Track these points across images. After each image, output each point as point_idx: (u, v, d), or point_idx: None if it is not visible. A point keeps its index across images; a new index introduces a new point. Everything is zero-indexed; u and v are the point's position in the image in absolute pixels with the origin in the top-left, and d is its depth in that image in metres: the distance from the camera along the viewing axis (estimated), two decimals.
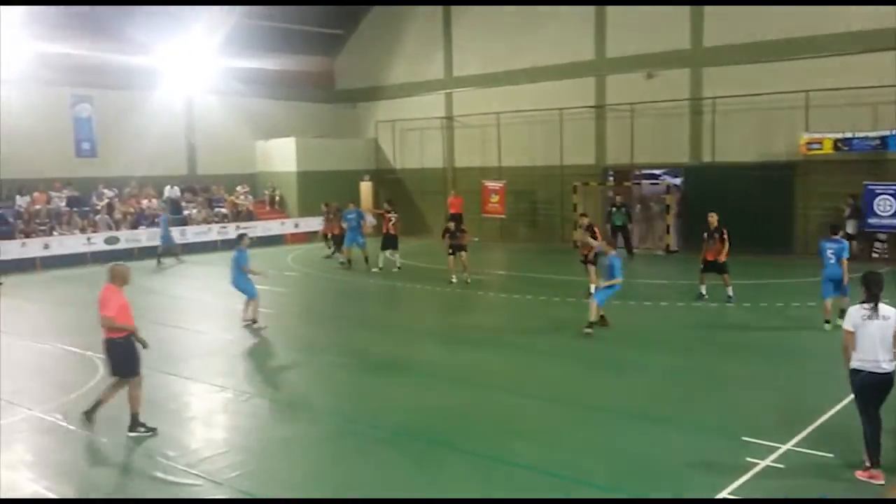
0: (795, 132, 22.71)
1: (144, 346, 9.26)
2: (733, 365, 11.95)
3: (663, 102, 25.56)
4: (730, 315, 15.41)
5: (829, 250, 13.65)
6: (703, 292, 16.57)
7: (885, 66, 21.35)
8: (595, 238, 17.23)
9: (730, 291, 16.25)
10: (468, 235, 20.12)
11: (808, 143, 22.24)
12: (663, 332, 14.33)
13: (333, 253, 24.46)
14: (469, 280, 19.54)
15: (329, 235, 25.62)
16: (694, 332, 14.26)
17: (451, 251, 19.53)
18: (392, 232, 22.56)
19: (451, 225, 19.94)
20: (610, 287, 13.97)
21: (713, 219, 16.50)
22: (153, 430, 9.23)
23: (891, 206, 21.14)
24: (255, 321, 14.82)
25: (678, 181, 26.23)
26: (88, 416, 9.34)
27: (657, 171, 27.34)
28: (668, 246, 25.12)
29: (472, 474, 7.95)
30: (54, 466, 8.40)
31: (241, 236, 15.43)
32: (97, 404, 9.37)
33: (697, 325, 14.83)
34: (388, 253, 22.45)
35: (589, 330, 13.70)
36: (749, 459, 7.88)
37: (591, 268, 17.15)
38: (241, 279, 14.83)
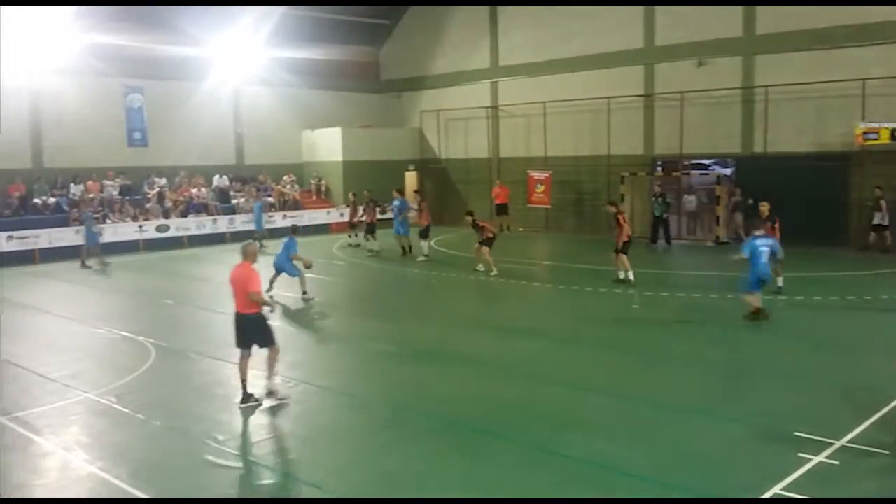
0: (851, 122, 22.03)
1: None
2: (788, 358, 11.69)
3: (714, 91, 25.10)
4: (782, 307, 15.08)
5: None
6: None
7: None
8: (620, 226, 17.57)
9: (780, 282, 16.04)
10: (487, 230, 20.00)
11: (865, 133, 21.56)
12: (714, 323, 14.11)
13: (367, 240, 24.63)
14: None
15: (357, 225, 25.77)
16: (746, 324, 13.99)
17: (483, 243, 19.77)
18: (427, 221, 23.14)
19: (468, 219, 20.21)
20: (753, 272, 13.61)
21: (765, 208, 16.38)
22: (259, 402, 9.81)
23: None
24: (305, 292, 16.63)
25: (728, 171, 25.75)
26: (251, 398, 9.82)
27: (706, 162, 26.87)
28: (717, 237, 24.71)
29: (520, 464, 7.92)
30: (109, 448, 8.59)
31: (294, 227, 17.75)
32: (244, 383, 9.84)
33: (761, 321, 14.54)
34: (428, 242, 23.03)
35: (755, 319, 13.66)
36: (801, 455, 7.73)
37: (623, 257, 17.61)
38: (286, 262, 16.58)
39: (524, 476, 7.64)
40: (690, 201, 26.56)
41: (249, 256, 9.82)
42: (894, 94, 21.35)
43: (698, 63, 25.59)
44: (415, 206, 24.71)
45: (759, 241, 13.66)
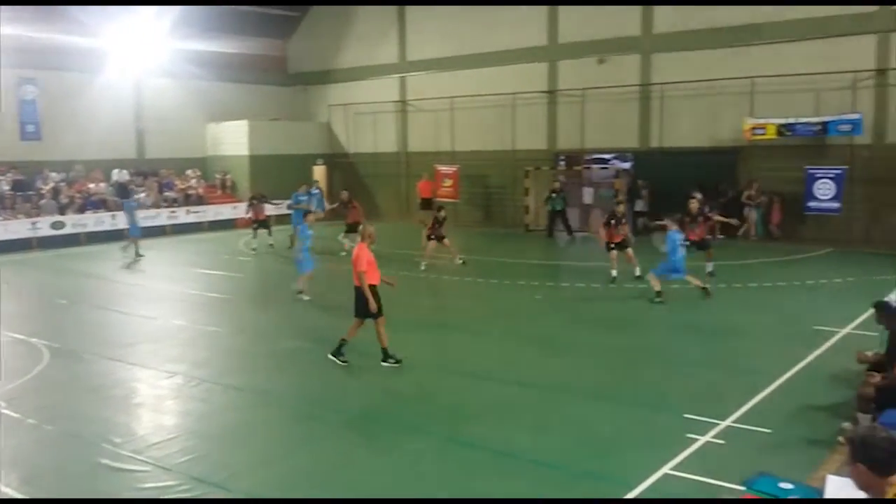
0: (741, 118, 23.16)
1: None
2: (678, 344, 12.36)
3: (614, 88, 25.85)
4: (672, 296, 15.73)
5: None
6: (711, 269, 17.25)
7: (830, 54, 21.89)
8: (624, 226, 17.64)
9: (709, 268, 17.13)
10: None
11: (753, 129, 22.71)
12: (615, 312, 14.62)
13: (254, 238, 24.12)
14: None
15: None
16: (651, 314, 14.45)
17: (431, 237, 19.73)
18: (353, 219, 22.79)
19: (441, 215, 20.07)
20: (670, 260, 14.73)
21: (694, 204, 17.13)
22: (400, 361, 10.85)
23: (830, 189, 21.72)
24: None
25: (627, 165, 26.56)
26: (337, 353, 11.01)
27: (607, 156, 27.63)
28: None
29: (430, 456, 8.05)
30: None
31: None
32: (342, 343, 11.03)
33: (656, 308, 15.05)
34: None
35: (659, 300, 14.77)
36: (690, 436, 8.13)
37: (615, 253, 17.18)
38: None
39: (434, 468, 7.77)
40: (588, 194, 27.21)
41: (366, 237, 11.06)
42: (781, 91, 22.51)
43: (599, 60, 26.31)
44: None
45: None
